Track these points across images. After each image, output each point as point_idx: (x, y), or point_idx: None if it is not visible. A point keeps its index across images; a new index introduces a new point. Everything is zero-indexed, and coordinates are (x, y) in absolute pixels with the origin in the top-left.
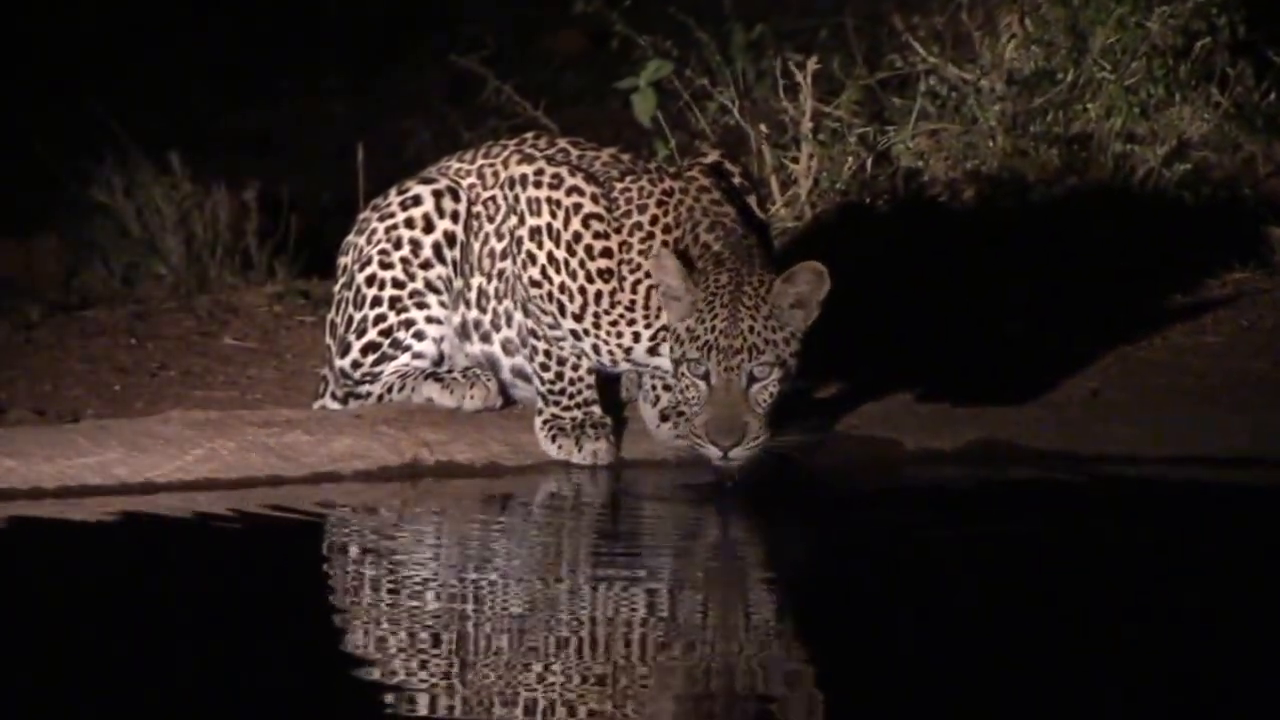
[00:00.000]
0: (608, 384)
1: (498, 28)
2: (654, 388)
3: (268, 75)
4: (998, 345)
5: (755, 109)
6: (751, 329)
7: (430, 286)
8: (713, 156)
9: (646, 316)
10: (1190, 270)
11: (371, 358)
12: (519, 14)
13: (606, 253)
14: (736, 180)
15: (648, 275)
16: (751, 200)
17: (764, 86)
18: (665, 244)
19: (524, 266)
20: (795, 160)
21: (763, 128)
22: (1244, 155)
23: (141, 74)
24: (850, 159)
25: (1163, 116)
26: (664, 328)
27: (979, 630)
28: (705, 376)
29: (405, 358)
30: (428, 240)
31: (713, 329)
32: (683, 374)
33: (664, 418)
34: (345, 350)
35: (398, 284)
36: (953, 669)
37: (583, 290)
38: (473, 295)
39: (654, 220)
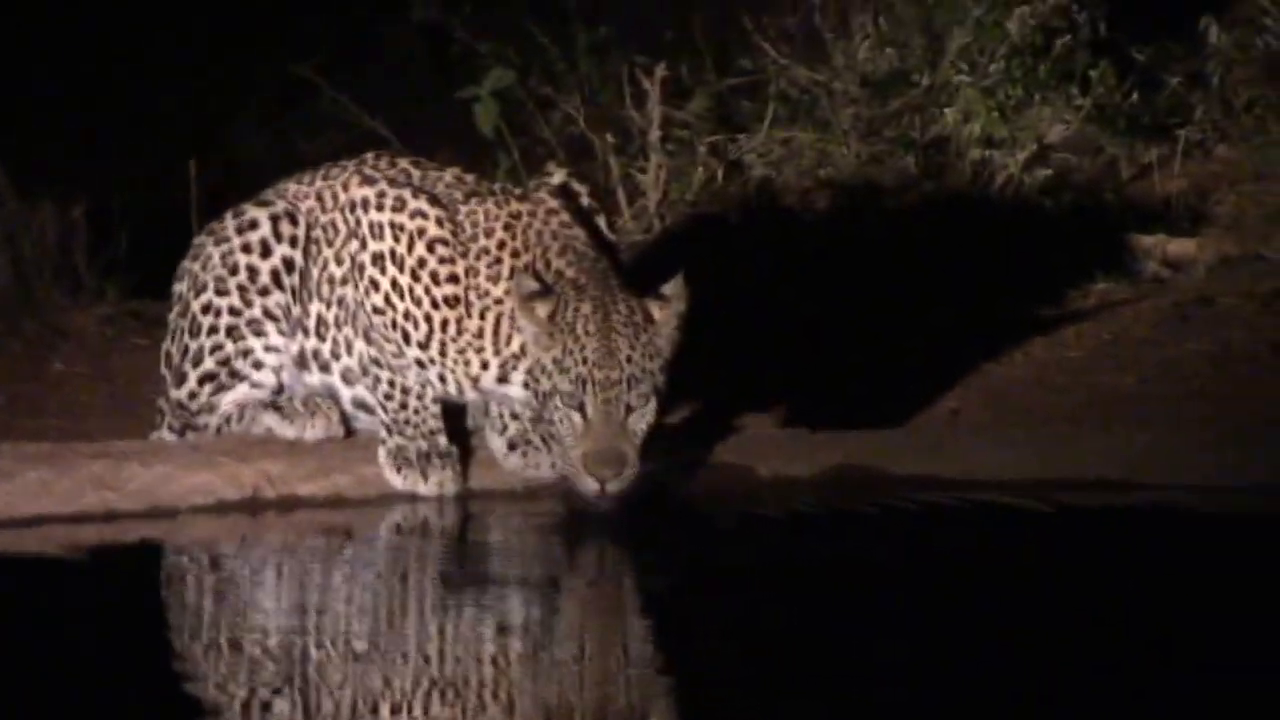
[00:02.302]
0: (454, 412)
1: (332, 30)
2: (501, 416)
3: (97, 76)
4: (855, 362)
5: (601, 117)
6: (629, 359)
7: (268, 314)
8: (559, 176)
9: (495, 344)
10: (1051, 280)
11: (209, 388)
12: (355, 15)
13: (452, 278)
14: (585, 201)
15: (496, 302)
16: (600, 221)
17: (609, 93)
18: (520, 269)
19: (366, 293)
20: (643, 170)
21: (609, 137)
22: (1105, 158)
23: None
24: (700, 169)
25: (1022, 118)
26: (514, 355)
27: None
28: (580, 408)
29: (244, 387)
30: (265, 266)
31: (584, 360)
32: (555, 407)
33: (512, 446)
34: (181, 380)
35: (234, 311)
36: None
37: (428, 317)
38: (311, 323)
39: (501, 245)
